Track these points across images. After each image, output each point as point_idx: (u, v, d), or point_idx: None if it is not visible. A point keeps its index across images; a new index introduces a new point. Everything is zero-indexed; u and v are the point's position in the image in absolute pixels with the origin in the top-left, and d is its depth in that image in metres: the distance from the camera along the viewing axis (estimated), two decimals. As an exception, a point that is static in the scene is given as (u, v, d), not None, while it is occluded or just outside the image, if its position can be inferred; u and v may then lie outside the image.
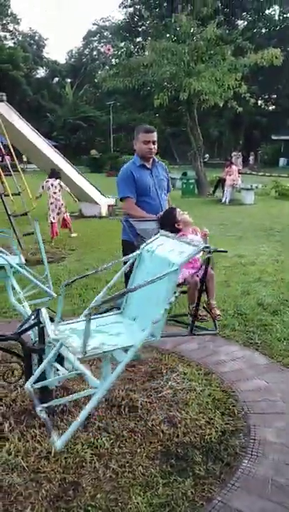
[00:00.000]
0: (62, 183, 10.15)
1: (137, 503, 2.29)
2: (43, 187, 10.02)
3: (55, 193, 9.99)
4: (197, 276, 3.30)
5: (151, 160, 4.08)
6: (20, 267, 3.81)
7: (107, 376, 2.42)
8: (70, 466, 2.57)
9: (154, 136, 4.01)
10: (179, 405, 3.16)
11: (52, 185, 9.97)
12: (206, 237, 3.45)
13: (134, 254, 3.02)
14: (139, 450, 2.70)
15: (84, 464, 2.59)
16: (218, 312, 3.40)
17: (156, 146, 4.03)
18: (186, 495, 2.35)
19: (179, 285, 3.19)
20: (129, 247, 3.77)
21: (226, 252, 3.82)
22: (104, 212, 13.26)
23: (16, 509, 2.26)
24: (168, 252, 2.71)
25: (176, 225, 3.53)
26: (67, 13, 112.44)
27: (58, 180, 10.12)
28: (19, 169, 10.11)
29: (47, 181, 10.07)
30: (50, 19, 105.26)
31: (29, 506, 2.27)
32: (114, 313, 3.01)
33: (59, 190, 10.03)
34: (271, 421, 3.02)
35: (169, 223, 3.53)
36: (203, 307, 3.41)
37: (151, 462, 2.60)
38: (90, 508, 2.26)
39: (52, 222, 9.82)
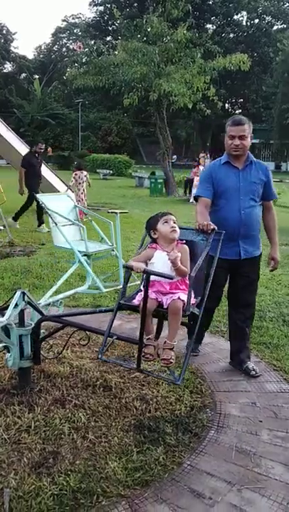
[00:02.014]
0: (87, 175, 11.92)
1: (114, 467, 2.48)
2: (74, 179, 11.76)
3: (80, 183, 11.64)
4: (157, 300, 2.75)
5: (242, 158, 3.44)
6: (84, 255, 4.14)
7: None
8: (49, 437, 2.73)
9: (243, 129, 3.31)
10: (151, 385, 3.37)
11: (79, 176, 11.74)
12: (177, 261, 2.68)
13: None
14: (114, 423, 2.89)
15: (62, 436, 2.75)
16: (167, 356, 2.68)
17: (246, 142, 3.34)
18: (158, 460, 2.56)
19: (137, 307, 2.79)
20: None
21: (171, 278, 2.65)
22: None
23: (0, 474, 2.41)
24: None
25: (151, 233, 2.98)
26: (35, 8, 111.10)
27: (85, 172, 11.94)
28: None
29: (76, 173, 11.83)
30: (18, 13, 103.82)
31: (12, 472, 2.43)
32: None
33: (83, 182, 11.67)
34: (235, 398, 3.27)
35: (148, 228, 3.00)
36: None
37: (126, 434, 2.79)
38: (69, 472, 2.44)
39: None
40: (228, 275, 3.65)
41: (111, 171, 31.64)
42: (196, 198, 3.58)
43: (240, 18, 48.14)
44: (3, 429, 2.79)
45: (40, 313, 3.24)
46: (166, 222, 2.91)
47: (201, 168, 17.88)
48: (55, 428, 2.81)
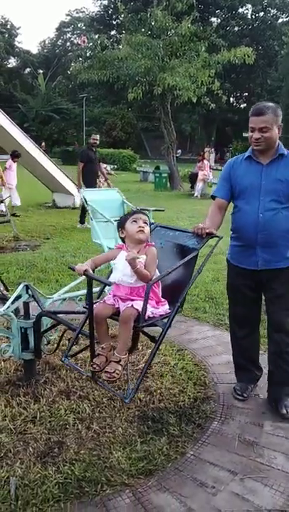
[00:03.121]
0: (108, 168, 14.02)
1: (118, 457, 2.52)
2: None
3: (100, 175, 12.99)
4: (114, 306, 2.65)
5: (268, 152, 2.90)
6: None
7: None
8: (54, 428, 2.77)
9: (264, 120, 2.81)
10: (155, 377, 3.40)
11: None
12: (136, 263, 2.54)
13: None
14: (118, 414, 2.92)
15: (67, 426, 2.79)
16: (110, 369, 2.53)
17: (269, 135, 2.82)
18: (161, 450, 2.59)
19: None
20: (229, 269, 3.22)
21: (108, 285, 2.66)
22: (78, 203, 13.36)
23: (6, 463, 2.45)
24: None
25: (119, 232, 2.84)
26: (39, 2, 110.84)
27: (105, 165, 13.61)
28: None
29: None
30: (22, 7, 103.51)
31: (18, 461, 2.47)
32: None
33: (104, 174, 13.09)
34: (239, 389, 3.29)
35: (118, 226, 2.86)
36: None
37: (130, 424, 2.83)
38: (74, 461, 2.48)
39: None
40: (257, 291, 3.09)
41: (115, 166, 31.60)
42: (213, 197, 3.17)
43: (245, 11, 47.80)
44: (9, 419, 2.83)
45: (41, 307, 3.25)
46: (134, 221, 2.75)
47: (205, 162, 17.86)
48: (60, 419, 2.85)
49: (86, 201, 4.75)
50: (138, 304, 2.54)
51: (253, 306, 3.15)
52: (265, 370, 3.25)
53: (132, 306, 2.53)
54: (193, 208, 13.62)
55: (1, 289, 4.05)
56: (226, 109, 42.18)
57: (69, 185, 13.10)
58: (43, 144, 38.86)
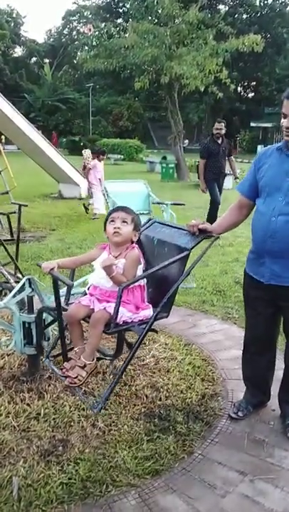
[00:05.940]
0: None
1: (123, 456, 2.45)
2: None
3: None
4: (89, 308, 2.56)
5: None
6: None
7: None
8: (58, 425, 2.70)
9: None
10: (161, 372, 3.32)
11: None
12: (111, 269, 2.44)
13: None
14: (124, 411, 2.85)
15: (72, 423, 2.72)
16: (73, 374, 2.48)
17: None
18: (168, 449, 2.52)
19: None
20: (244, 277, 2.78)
21: (71, 286, 2.75)
22: (84, 193, 13.26)
23: (9, 462, 2.39)
24: None
25: (104, 232, 2.70)
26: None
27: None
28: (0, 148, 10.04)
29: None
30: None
31: (21, 460, 2.41)
32: None
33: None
34: (248, 386, 3.21)
35: (104, 225, 2.71)
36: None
37: (136, 422, 2.75)
38: (79, 461, 2.41)
39: None
40: (273, 306, 2.64)
41: (122, 156, 31.39)
42: None
43: (254, -1, 47.06)
44: (12, 416, 2.76)
45: (42, 302, 3.17)
46: (112, 221, 2.56)
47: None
48: (64, 415, 2.78)
49: (107, 193, 4.61)
50: (112, 307, 2.43)
51: (268, 324, 2.73)
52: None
53: (105, 309, 2.44)
54: (201, 198, 13.47)
55: (11, 280, 3.97)
56: (234, 99, 41.67)
57: (75, 176, 12.99)
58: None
